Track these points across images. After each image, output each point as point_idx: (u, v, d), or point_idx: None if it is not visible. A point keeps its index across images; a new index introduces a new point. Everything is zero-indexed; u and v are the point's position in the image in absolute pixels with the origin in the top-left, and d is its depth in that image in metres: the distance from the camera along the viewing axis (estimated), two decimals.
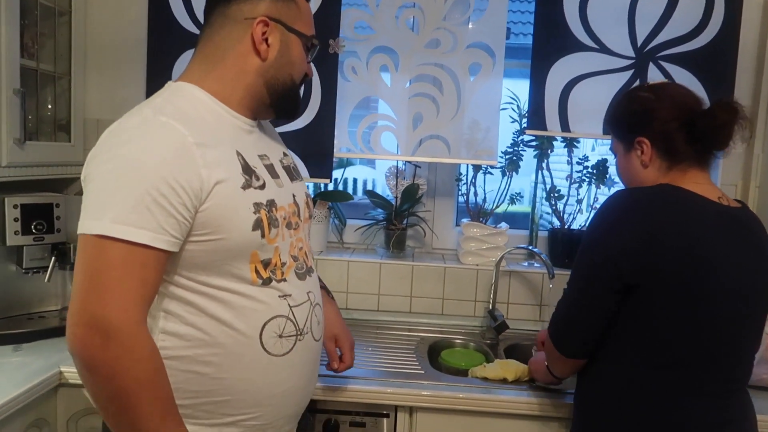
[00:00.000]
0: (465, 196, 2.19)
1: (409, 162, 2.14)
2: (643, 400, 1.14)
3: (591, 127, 1.98)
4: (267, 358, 1.06)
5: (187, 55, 1.97)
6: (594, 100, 1.97)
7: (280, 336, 1.06)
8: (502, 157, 2.09)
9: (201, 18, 1.95)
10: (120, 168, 0.92)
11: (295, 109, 1.18)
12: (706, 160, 1.21)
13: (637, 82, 1.95)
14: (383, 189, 2.30)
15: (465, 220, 2.17)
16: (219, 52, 1.07)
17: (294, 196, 1.15)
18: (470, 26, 1.95)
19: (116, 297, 0.89)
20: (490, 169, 2.16)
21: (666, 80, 1.29)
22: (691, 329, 1.11)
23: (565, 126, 1.97)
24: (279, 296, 1.07)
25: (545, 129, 1.98)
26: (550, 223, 2.23)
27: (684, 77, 1.95)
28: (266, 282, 1.05)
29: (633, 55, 1.95)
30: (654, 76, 1.95)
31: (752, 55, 1.99)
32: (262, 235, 1.03)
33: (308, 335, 1.13)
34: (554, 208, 2.20)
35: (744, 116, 1.16)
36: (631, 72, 1.95)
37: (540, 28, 1.95)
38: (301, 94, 1.20)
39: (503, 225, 2.13)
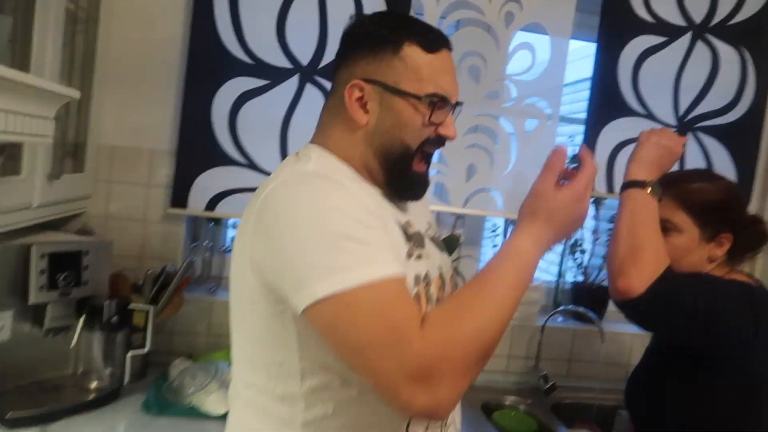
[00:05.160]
0: None
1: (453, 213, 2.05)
2: None
3: None
4: None
5: (232, 84, 1.75)
6: None
7: (426, 429, 0.95)
8: None
9: (252, 46, 1.77)
10: (336, 217, 0.81)
11: (410, 183, 0.97)
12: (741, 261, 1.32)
13: None
14: None
15: None
16: (329, 118, 0.98)
17: (440, 268, 1.01)
18: (530, 80, 1.92)
19: (419, 334, 0.77)
20: None
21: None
22: None
23: (610, 187, 2.00)
24: None
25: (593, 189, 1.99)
26: (575, 276, 2.25)
27: (717, 149, 2.06)
28: None
29: (675, 123, 2.03)
30: (691, 145, 2.04)
31: None
32: None
33: (452, 426, 1.02)
34: (579, 262, 2.22)
35: None
36: None
37: (596, 90, 1.96)
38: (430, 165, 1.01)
39: (539, 279, 2.12)
